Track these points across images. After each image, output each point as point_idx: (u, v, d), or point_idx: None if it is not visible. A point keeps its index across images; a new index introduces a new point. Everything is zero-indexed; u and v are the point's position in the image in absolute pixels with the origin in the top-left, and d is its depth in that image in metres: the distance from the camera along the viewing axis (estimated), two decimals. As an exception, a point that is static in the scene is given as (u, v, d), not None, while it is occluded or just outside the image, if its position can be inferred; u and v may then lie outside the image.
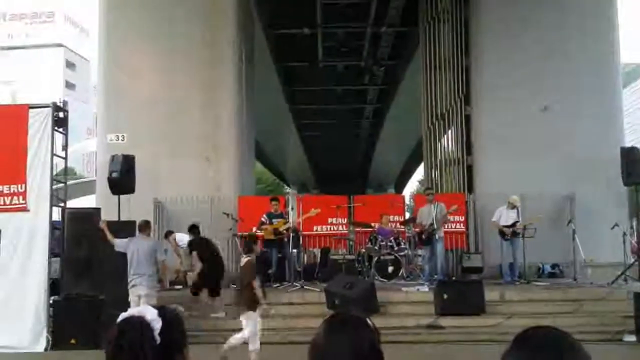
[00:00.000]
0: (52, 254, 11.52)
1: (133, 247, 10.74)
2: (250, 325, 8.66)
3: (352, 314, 1.88)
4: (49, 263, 11.34)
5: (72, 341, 10.79)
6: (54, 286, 11.46)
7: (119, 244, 10.88)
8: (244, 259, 9.12)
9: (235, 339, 8.78)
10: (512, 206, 14.75)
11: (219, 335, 11.33)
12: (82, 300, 11.19)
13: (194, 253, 13.29)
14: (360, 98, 35.24)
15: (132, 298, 10.55)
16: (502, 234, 14.79)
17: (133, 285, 10.55)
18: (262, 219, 14.52)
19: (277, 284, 14.06)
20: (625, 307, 11.56)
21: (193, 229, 14.09)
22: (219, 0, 18.19)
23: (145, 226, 11.22)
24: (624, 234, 14.81)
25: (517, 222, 14.64)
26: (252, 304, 8.73)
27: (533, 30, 17.75)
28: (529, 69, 17.61)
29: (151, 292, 10.64)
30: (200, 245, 13.48)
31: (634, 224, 17.16)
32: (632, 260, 14.49)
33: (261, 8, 21.69)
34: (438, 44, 19.69)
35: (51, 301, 11.29)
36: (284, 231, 14.31)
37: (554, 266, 16.33)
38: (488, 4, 18.26)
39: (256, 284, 8.74)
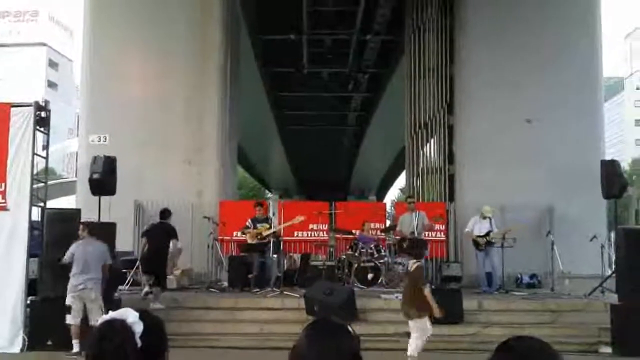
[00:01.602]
0: (30, 254, 11.42)
1: (82, 250, 10.50)
2: (418, 331, 8.63)
3: (333, 320, 1.88)
4: (27, 263, 11.25)
5: (49, 342, 10.70)
6: (31, 287, 11.36)
7: (67, 257, 10.53)
8: (414, 264, 9.02)
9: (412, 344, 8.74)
10: (485, 216, 14.85)
11: (198, 339, 11.33)
12: (59, 301, 11.08)
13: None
14: (345, 105, 35.32)
15: (75, 302, 10.31)
16: (476, 244, 14.89)
17: (83, 289, 10.33)
18: (247, 224, 14.51)
19: (257, 289, 14.03)
20: (602, 319, 11.63)
21: (162, 214, 13.98)
22: (205, 4, 18.18)
23: (94, 229, 11.04)
24: (602, 246, 14.93)
25: (491, 231, 14.74)
26: (423, 309, 8.71)
27: (517, 41, 17.87)
28: (513, 80, 17.74)
29: (99, 297, 10.51)
30: (147, 232, 13.72)
31: (612, 236, 17.31)
32: (610, 272, 14.60)
33: (247, 13, 21.72)
34: (423, 53, 19.80)
35: (28, 302, 11.19)
36: (267, 236, 14.26)
37: (532, 276, 16.41)
38: (473, 14, 18.38)
39: (427, 289, 8.66)
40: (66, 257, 10.49)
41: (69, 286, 10.41)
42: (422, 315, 8.71)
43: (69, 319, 10.34)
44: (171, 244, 13.63)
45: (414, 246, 9.71)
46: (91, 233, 10.80)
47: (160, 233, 13.56)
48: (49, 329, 10.87)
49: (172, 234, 13.58)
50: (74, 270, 10.43)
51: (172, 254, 14.13)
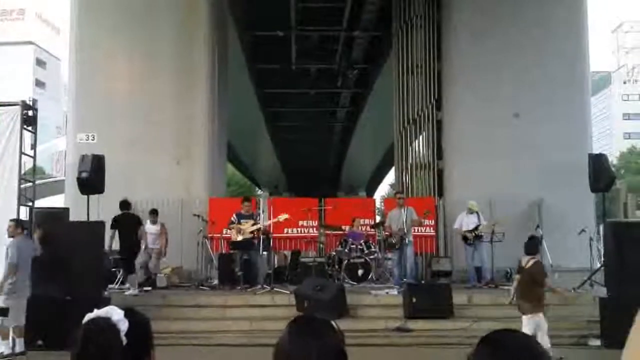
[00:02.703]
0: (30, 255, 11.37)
1: (24, 250, 10.33)
2: (538, 327, 8.85)
3: (316, 316, 1.88)
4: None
5: (39, 342, 10.66)
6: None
7: (15, 257, 10.18)
8: (530, 260, 9.16)
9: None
10: (471, 211, 14.92)
11: (189, 337, 11.32)
12: (49, 301, 11.06)
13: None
14: (333, 101, 35.30)
15: (18, 305, 10.21)
16: (464, 239, 14.95)
17: (21, 290, 10.23)
18: (232, 219, 14.46)
19: (246, 286, 14.02)
20: (591, 312, 11.71)
21: (122, 206, 14.25)
22: (192, 1, 18.12)
23: (23, 226, 10.77)
24: (591, 239, 15.00)
25: (479, 225, 14.80)
26: (540, 304, 9.00)
27: (505, 36, 17.91)
28: (500, 76, 17.79)
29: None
30: (117, 223, 13.91)
31: (601, 229, 17.39)
32: (599, 265, 14.67)
33: (235, 10, 21.65)
34: (411, 48, 19.83)
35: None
36: (252, 233, 14.23)
37: (521, 270, 16.46)
38: (461, 10, 18.40)
39: (549, 280, 9.08)
40: (14, 258, 10.18)
41: (9, 287, 10.13)
42: (537, 310, 8.94)
43: (14, 321, 10.23)
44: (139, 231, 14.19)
45: (529, 243, 9.79)
46: (22, 230, 10.66)
47: (129, 224, 13.99)
48: (39, 328, 10.82)
49: (140, 221, 14.27)
50: (20, 272, 10.23)
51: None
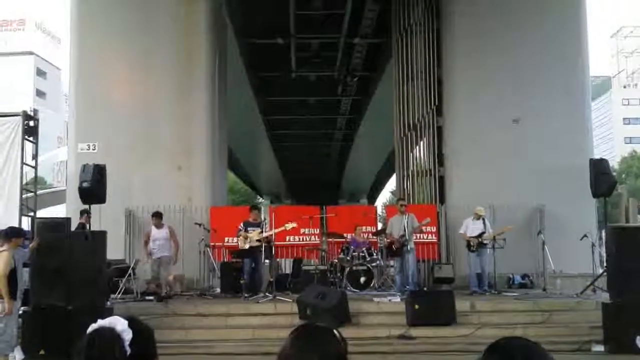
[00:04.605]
0: (22, 264, 11.36)
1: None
2: None
3: (319, 324, 1.88)
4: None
5: (41, 352, 10.64)
6: (23, 296, 11.30)
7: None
8: None
9: None
10: (478, 217, 14.90)
11: (191, 346, 11.30)
12: (51, 310, 11.05)
13: None
14: (333, 109, 35.28)
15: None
16: (468, 245, 14.92)
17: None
18: (240, 227, 14.46)
19: (249, 295, 13.99)
20: (594, 317, 11.68)
21: (82, 214, 13.84)
22: (191, 9, 18.15)
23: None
24: (593, 244, 14.98)
25: (484, 232, 14.77)
26: None
27: (504, 42, 17.95)
28: (501, 81, 17.81)
29: None
30: None
31: (603, 234, 17.38)
32: (601, 271, 14.66)
33: (234, 17, 21.69)
34: (410, 55, 19.83)
35: (20, 311, 11.14)
36: (258, 241, 14.22)
37: (524, 276, 16.46)
38: (460, 16, 18.43)
39: None
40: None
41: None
42: None
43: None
44: None
45: None
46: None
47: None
48: (41, 338, 10.81)
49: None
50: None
51: None
